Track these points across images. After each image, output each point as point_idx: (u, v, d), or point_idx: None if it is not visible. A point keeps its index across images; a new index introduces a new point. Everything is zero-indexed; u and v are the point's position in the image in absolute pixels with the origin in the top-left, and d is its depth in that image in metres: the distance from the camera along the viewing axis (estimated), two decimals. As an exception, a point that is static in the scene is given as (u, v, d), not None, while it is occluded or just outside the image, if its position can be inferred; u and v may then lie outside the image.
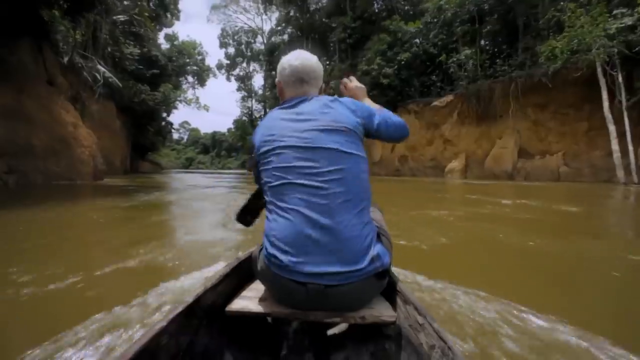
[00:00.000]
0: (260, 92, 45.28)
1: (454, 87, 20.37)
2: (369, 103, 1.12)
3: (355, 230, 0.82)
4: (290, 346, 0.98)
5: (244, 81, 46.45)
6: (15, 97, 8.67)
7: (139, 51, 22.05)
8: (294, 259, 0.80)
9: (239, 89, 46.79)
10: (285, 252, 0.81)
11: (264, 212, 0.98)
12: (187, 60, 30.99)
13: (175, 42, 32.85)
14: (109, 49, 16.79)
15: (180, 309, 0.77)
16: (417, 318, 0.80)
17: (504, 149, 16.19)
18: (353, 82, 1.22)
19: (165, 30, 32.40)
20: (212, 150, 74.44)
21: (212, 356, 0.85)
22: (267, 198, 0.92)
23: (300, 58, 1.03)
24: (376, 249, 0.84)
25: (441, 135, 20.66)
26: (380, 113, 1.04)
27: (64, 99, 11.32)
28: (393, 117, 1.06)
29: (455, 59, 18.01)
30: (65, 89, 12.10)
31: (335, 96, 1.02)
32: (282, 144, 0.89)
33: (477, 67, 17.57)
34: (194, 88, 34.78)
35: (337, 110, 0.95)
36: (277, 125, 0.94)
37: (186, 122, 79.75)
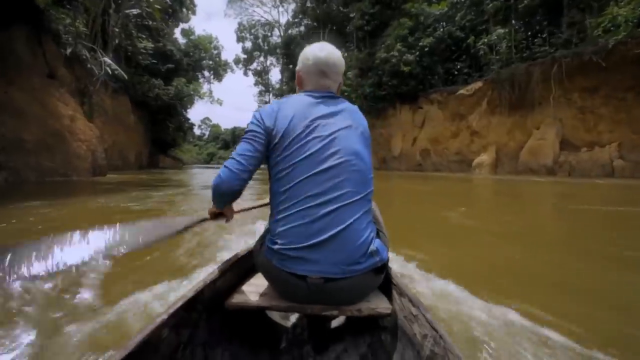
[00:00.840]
0: (277, 86, 44.33)
1: (483, 73, 18.27)
2: None
3: (359, 229, 0.84)
4: (290, 339, 0.98)
5: (261, 75, 45.67)
6: (4, 90, 8.04)
7: (152, 45, 21.57)
8: (296, 253, 0.81)
9: (256, 84, 46.12)
10: (288, 246, 0.82)
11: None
12: (203, 54, 30.44)
13: (192, 37, 32.41)
14: (117, 41, 16.21)
15: (180, 303, 0.76)
16: (411, 310, 0.81)
17: (543, 141, 14.12)
18: None
19: (182, 25, 32.03)
20: (232, 145, 74.92)
21: (212, 349, 0.84)
22: (274, 188, 0.90)
23: (325, 50, 1.00)
24: (375, 244, 0.86)
25: (468, 127, 18.68)
26: None
27: (66, 91, 10.74)
28: None
29: (485, 41, 15.92)
30: (69, 82, 11.55)
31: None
32: (309, 138, 0.88)
33: (511, 49, 15.44)
34: (209, 83, 34.34)
35: (361, 118, 0.99)
36: (306, 113, 0.91)
37: (207, 119, 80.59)
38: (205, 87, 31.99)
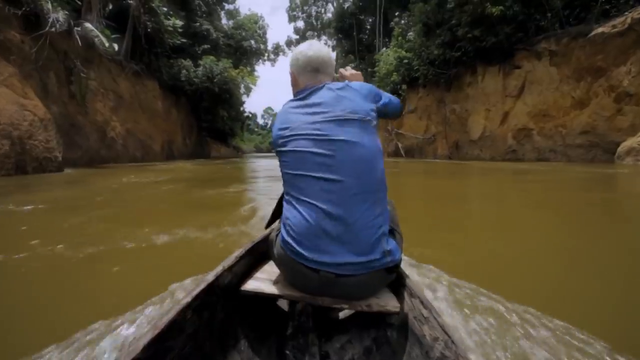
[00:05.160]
0: (330, 67, 39.11)
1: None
2: None
3: (368, 222, 0.81)
4: (296, 326, 0.97)
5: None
6: None
7: (182, 23, 18.71)
8: (308, 249, 0.80)
9: (309, 67, 41.68)
10: (300, 241, 0.81)
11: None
12: (244, 34, 27.09)
13: (237, 18, 29.41)
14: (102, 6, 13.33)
15: (202, 286, 0.78)
16: (422, 311, 0.80)
17: None
18: (348, 71, 1.18)
19: (227, 7, 29.20)
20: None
21: (227, 331, 0.86)
22: (284, 187, 0.92)
23: (313, 49, 1.00)
24: (390, 244, 0.83)
25: (609, 88, 10.87)
26: (384, 92, 1.03)
27: (10, 61, 7.87)
28: (393, 98, 1.06)
29: None
30: (27, 51, 8.72)
31: (346, 82, 0.97)
32: (297, 136, 0.87)
33: None
34: (253, 64, 31.08)
35: (349, 99, 0.91)
36: (291, 117, 0.92)
37: (270, 108, 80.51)
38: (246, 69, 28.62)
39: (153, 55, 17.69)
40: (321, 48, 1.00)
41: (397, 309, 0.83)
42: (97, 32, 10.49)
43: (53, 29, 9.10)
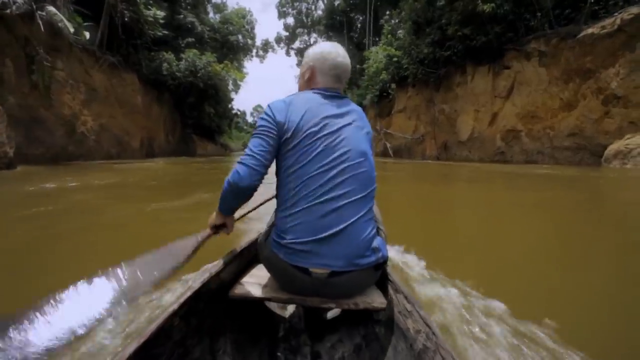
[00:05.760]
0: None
1: (639, -9, 9.95)
2: None
3: (363, 226, 0.82)
4: (287, 328, 0.99)
5: (304, 54, 40.33)
6: None
7: (163, 14, 17.70)
8: (301, 252, 0.80)
9: (299, 64, 41.04)
10: (292, 244, 0.80)
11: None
12: (231, 28, 26.09)
13: (225, 12, 28.39)
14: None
15: (189, 293, 0.77)
16: (406, 306, 0.81)
17: None
18: None
19: (214, 0, 28.13)
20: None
21: (217, 337, 0.85)
22: (284, 182, 0.87)
23: (342, 55, 0.99)
24: (376, 241, 0.85)
25: (598, 90, 10.69)
26: None
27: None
28: None
29: None
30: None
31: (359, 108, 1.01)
32: (319, 136, 0.85)
33: None
34: (240, 60, 30.09)
35: (365, 117, 0.99)
36: (321, 108, 0.89)
37: (259, 106, 79.24)
38: (235, 66, 27.68)
39: (132, 47, 16.67)
40: (347, 57, 1.00)
41: (384, 305, 0.85)
42: (60, 17, 9.53)
43: (8, 11, 8.17)
